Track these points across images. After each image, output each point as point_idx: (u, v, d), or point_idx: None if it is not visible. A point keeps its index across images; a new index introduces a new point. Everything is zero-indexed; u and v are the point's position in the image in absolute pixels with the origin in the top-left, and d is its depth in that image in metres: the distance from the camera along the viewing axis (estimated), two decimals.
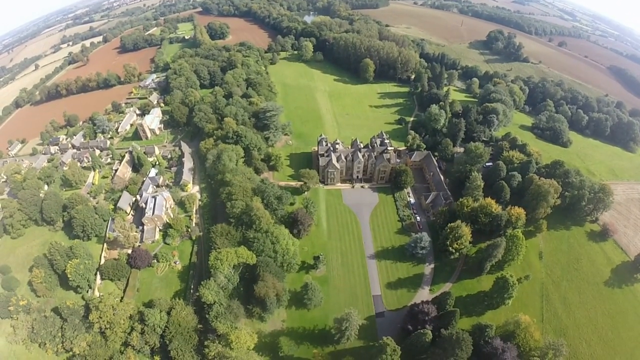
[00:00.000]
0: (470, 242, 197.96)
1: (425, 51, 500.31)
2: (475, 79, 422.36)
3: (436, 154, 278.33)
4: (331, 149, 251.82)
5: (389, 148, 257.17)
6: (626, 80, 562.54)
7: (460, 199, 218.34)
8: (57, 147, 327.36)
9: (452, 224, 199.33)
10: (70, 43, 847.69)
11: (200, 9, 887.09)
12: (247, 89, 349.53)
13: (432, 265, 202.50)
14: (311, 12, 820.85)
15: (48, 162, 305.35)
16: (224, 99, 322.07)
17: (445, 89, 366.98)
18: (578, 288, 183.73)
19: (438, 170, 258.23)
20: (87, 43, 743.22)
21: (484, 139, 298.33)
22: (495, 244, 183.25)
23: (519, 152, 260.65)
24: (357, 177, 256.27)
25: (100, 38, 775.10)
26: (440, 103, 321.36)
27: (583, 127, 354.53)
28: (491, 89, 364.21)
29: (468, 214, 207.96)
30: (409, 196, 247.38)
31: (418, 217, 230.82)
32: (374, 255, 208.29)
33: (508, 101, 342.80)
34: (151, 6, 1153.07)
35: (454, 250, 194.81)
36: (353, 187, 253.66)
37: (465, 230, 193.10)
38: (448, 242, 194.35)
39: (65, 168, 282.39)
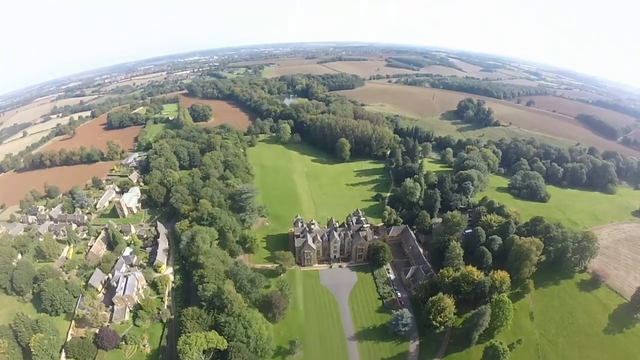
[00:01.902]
0: (455, 314, 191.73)
1: (400, 126, 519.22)
2: (449, 149, 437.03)
3: (414, 227, 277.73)
4: (307, 229, 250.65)
5: (364, 225, 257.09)
6: (594, 126, 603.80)
7: (441, 270, 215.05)
8: (35, 217, 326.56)
9: (433, 297, 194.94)
10: (60, 114, 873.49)
11: (186, 91, 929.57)
12: (224, 170, 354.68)
13: (417, 342, 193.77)
14: (291, 95, 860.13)
15: (24, 231, 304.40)
16: (201, 180, 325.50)
17: (419, 161, 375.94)
18: (577, 343, 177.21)
19: (416, 243, 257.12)
20: (76, 116, 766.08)
21: (461, 206, 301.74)
22: (479, 313, 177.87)
23: (496, 215, 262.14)
24: (335, 256, 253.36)
25: (88, 113, 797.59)
26: (415, 176, 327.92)
27: (560, 179, 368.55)
28: (464, 156, 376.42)
29: (450, 285, 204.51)
30: (389, 272, 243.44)
31: (399, 293, 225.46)
32: (354, 336, 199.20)
33: (482, 166, 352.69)
34: (140, 85, 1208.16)
35: (438, 324, 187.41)
36: (331, 267, 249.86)
37: (448, 302, 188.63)
38: (431, 316, 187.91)
39: (40, 239, 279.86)
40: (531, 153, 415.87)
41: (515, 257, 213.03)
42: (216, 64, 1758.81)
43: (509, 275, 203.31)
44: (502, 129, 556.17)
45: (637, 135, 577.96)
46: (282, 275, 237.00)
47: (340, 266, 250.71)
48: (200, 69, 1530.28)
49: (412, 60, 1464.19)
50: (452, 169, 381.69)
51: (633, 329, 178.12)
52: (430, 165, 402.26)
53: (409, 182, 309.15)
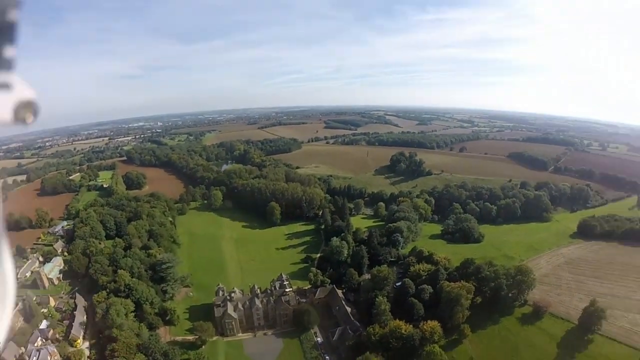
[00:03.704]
0: None
1: (332, 186, 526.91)
2: (381, 203, 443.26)
3: (343, 286, 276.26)
4: (227, 298, 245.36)
5: (287, 290, 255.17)
6: (526, 161, 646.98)
7: (368, 328, 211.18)
8: None
9: (359, 357, 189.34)
10: None
11: (124, 158, 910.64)
12: (148, 240, 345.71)
13: None
14: (229, 161, 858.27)
15: None
16: (123, 250, 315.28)
17: (347, 218, 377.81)
18: None
19: (344, 302, 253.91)
20: (10, 180, 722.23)
21: (391, 259, 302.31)
22: None
23: (425, 264, 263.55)
24: (259, 324, 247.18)
25: (24, 177, 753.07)
26: (342, 234, 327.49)
27: (494, 217, 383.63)
28: (395, 208, 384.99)
29: (378, 342, 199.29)
30: (316, 336, 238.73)
31: (327, 357, 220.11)
32: None
33: (412, 216, 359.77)
34: (81, 150, 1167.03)
35: None
36: (255, 335, 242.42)
37: None
38: None
39: None
40: (463, 197, 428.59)
41: (446, 304, 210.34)
42: (159, 130, 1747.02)
43: (441, 323, 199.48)
44: (434, 177, 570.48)
45: (567, 162, 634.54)
46: (202, 347, 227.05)
47: (265, 334, 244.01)
48: (143, 135, 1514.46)
49: (350, 121, 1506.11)
50: (384, 222, 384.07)
51: (586, 351, 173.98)
52: (363, 221, 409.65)
53: (335, 241, 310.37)
